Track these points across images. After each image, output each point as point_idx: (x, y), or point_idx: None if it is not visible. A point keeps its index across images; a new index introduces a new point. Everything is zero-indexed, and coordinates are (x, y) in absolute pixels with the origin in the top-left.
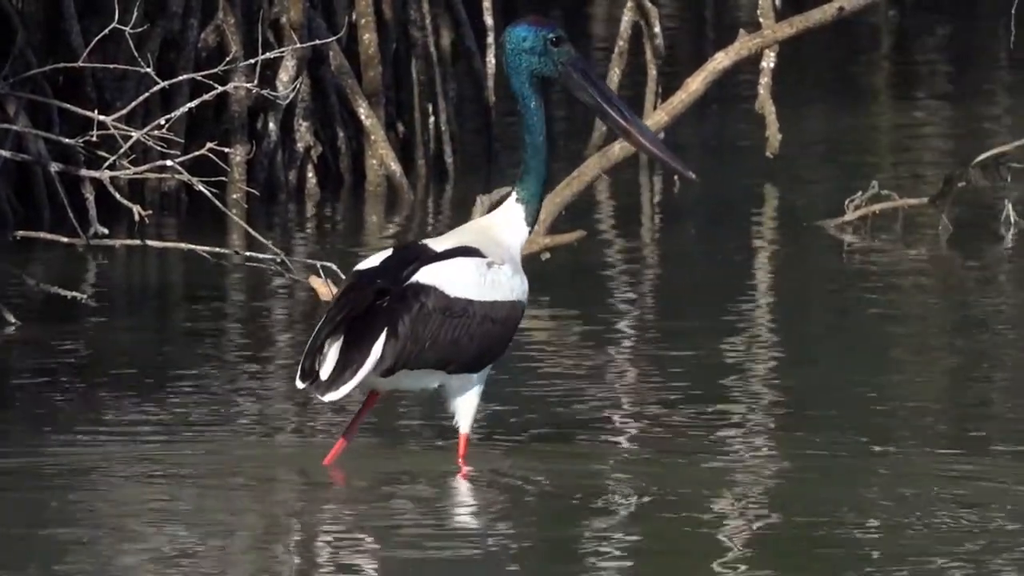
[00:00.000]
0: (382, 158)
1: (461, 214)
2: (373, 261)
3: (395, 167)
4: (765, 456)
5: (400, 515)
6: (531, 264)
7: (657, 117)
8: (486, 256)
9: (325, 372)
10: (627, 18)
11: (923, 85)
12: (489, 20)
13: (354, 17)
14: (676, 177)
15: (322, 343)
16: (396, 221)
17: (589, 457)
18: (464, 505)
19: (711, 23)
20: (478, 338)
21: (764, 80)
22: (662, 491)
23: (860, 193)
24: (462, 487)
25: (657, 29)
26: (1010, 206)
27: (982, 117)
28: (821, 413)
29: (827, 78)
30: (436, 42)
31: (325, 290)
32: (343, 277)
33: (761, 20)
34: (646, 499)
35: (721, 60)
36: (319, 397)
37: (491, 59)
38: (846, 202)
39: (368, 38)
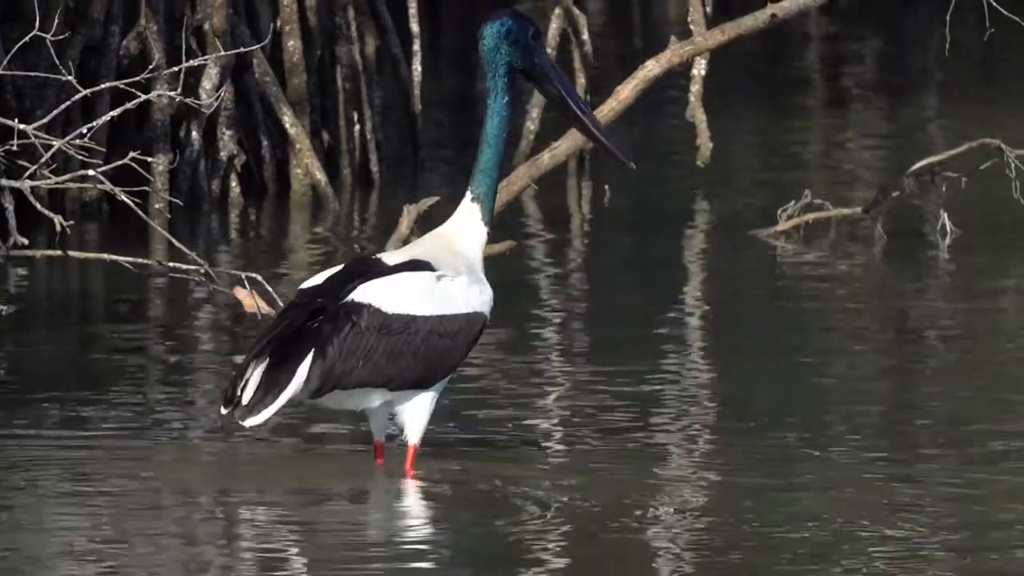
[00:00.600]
0: (307, 167)
1: (387, 223)
2: (319, 278)
3: (320, 176)
4: (701, 462)
5: (343, 526)
6: None
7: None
8: (437, 269)
9: (246, 397)
10: (555, 25)
11: (854, 94)
12: (415, 27)
13: (278, 24)
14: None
15: (246, 366)
16: (321, 230)
17: (520, 464)
18: (411, 516)
19: (639, 30)
20: (424, 354)
21: (695, 88)
22: (596, 499)
23: (793, 202)
24: (411, 497)
25: (585, 36)
26: (945, 215)
27: (914, 126)
28: (755, 419)
29: (757, 86)
30: (361, 49)
31: (250, 302)
32: (268, 288)
33: (692, 27)
34: (577, 506)
35: (652, 68)
36: (239, 423)
37: (417, 66)
38: (779, 211)
39: (292, 45)
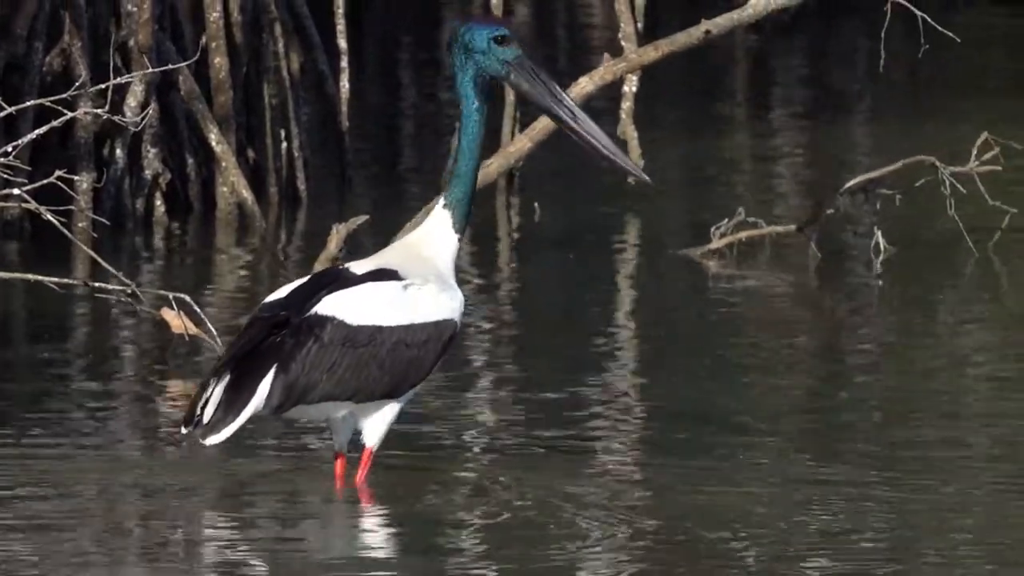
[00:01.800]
0: (233, 185)
1: (314, 241)
2: (283, 291)
3: (247, 194)
4: (634, 475)
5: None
6: None
7: (520, 143)
8: (404, 277)
9: (207, 415)
10: None
11: (785, 111)
12: (342, 43)
13: (204, 41)
14: (631, 180)
15: (207, 384)
16: (248, 249)
17: (453, 478)
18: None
19: (564, 48)
20: (391, 365)
21: (626, 105)
22: (535, 510)
23: (726, 220)
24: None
25: None
26: (879, 233)
27: (847, 143)
28: (687, 430)
29: (689, 103)
30: (288, 66)
31: (178, 322)
32: (196, 309)
33: (623, 44)
34: (511, 516)
35: (585, 85)
36: (200, 442)
37: (344, 83)
38: (712, 229)
39: (219, 62)
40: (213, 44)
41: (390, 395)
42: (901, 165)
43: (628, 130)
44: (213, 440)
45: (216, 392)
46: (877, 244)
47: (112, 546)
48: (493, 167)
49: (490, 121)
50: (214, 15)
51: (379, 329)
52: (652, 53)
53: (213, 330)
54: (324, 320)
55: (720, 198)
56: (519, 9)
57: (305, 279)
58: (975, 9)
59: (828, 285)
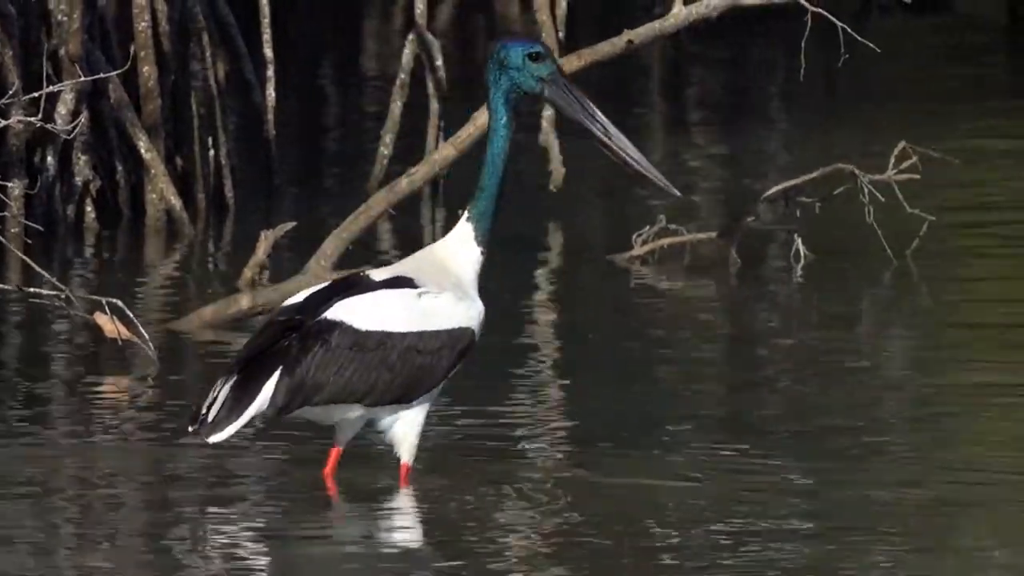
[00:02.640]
0: (162, 192)
1: (242, 248)
2: (301, 295)
3: (175, 201)
4: (557, 474)
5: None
6: None
7: (445, 151)
8: (420, 285)
9: (212, 413)
10: (408, 51)
11: (705, 119)
12: (269, 52)
13: (132, 50)
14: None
15: (217, 383)
16: (176, 256)
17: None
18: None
19: (484, 58)
20: (399, 370)
21: (547, 113)
22: (462, 514)
23: (648, 227)
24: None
25: (439, 62)
26: (799, 240)
27: (768, 151)
28: (605, 432)
29: (609, 111)
30: (215, 75)
31: (111, 327)
32: (129, 314)
33: None
34: (440, 515)
35: None
36: (203, 439)
37: (271, 92)
38: (633, 236)
39: (148, 71)
40: (142, 53)
41: (401, 400)
42: (820, 173)
43: (550, 138)
44: (216, 438)
45: (223, 392)
46: (797, 251)
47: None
48: (418, 175)
49: (415, 129)
50: (143, 24)
51: (389, 335)
52: (575, 62)
53: (145, 334)
54: (333, 325)
55: (641, 205)
56: (440, 20)
57: (324, 284)
58: (891, 18)
59: (748, 291)
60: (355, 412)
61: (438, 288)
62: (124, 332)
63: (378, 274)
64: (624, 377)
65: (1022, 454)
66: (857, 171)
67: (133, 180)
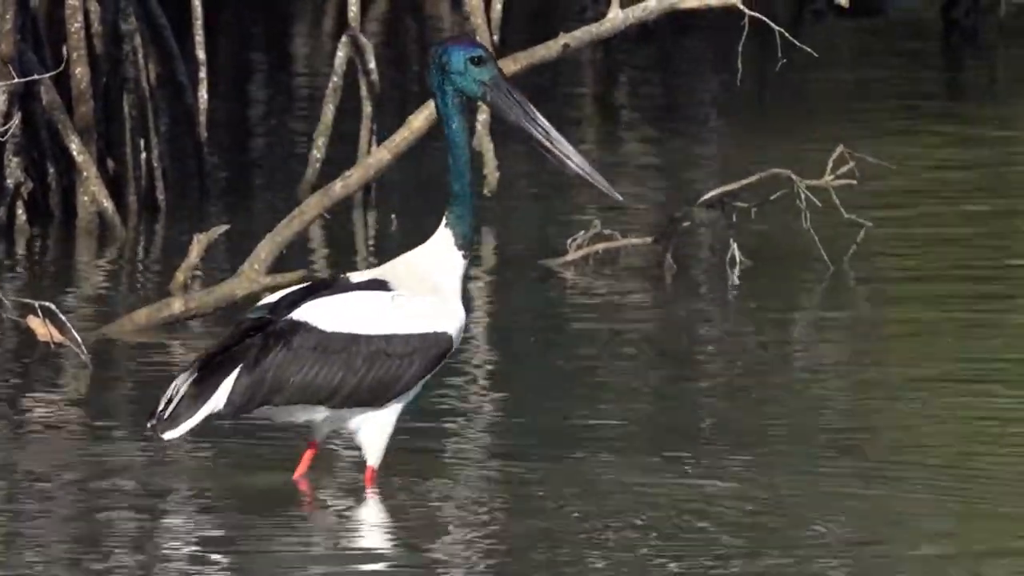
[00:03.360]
0: (94, 194)
1: (174, 250)
2: (278, 295)
3: (107, 203)
4: (486, 478)
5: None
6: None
7: (380, 155)
8: (394, 289)
9: (169, 410)
10: (341, 54)
11: (642, 124)
12: (201, 54)
13: (65, 51)
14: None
15: (177, 380)
16: (108, 258)
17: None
18: None
19: (415, 61)
20: (367, 374)
21: (482, 117)
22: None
23: (583, 232)
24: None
25: (372, 65)
26: (735, 245)
27: (704, 156)
28: (536, 435)
29: (544, 115)
30: (147, 76)
31: (44, 330)
32: (61, 317)
33: None
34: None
35: None
36: (159, 436)
37: (203, 94)
38: (568, 241)
39: (80, 72)
40: (74, 55)
41: (371, 403)
42: (757, 178)
43: (484, 141)
44: (170, 435)
45: (181, 388)
46: (733, 256)
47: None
48: (353, 179)
49: (348, 132)
50: (75, 26)
51: (355, 337)
52: (511, 66)
53: (78, 337)
54: (297, 325)
55: (576, 210)
56: (370, 24)
57: (303, 285)
58: (824, 23)
59: (682, 297)
60: (320, 414)
61: (412, 293)
62: (57, 336)
63: (356, 277)
64: (553, 382)
65: (954, 448)
66: (794, 176)
67: (65, 182)
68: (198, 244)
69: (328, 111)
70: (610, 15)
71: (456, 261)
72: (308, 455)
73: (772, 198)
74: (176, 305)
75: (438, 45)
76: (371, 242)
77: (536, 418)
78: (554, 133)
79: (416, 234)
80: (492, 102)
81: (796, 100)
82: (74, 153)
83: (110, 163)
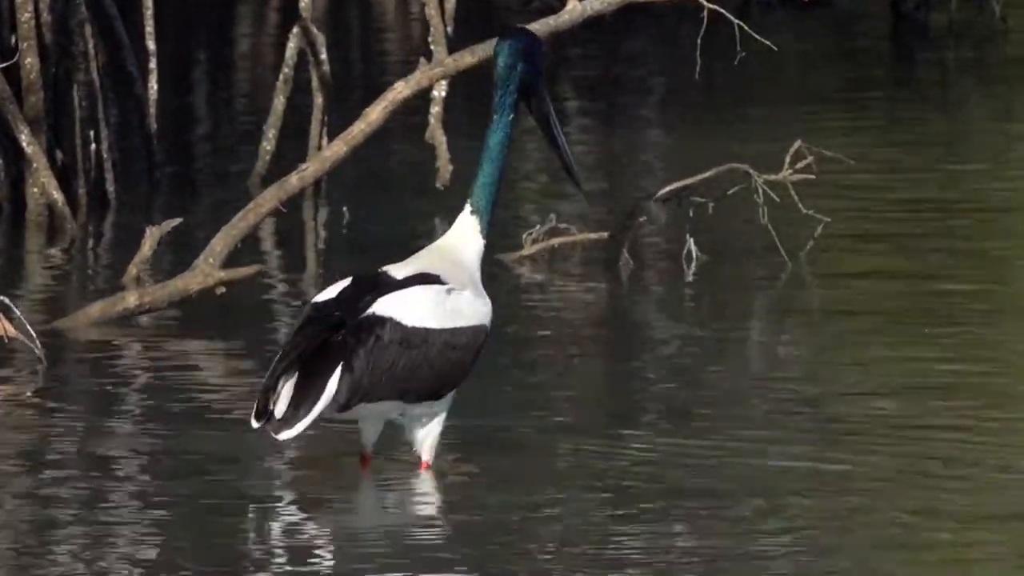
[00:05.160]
0: (43, 186)
1: (124, 243)
2: (331, 292)
3: (57, 195)
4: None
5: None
6: (209, 299)
7: (336, 148)
8: (447, 282)
9: (279, 410)
10: (292, 44)
11: (596, 117)
12: (151, 44)
13: (14, 41)
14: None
15: (276, 380)
16: (58, 251)
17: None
18: None
19: (356, 52)
20: (438, 366)
21: (435, 110)
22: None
23: (538, 226)
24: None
25: (324, 56)
26: (691, 240)
27: (660, 150)
28: (484, 430)
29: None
30: (96, 67)
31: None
32: (16, 311)
33: (432, 48)
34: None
35: (401, 90)
36: (274, 436)
37: (153, 84)
38: (524, 235)
39: (30, 63)
40: (25, 44)
41: (433, 396)
42: (714, 173)
43: (437, 134)
44: (287, 435)
45: (286, 389)
46: (689, 252)
47: None
48: (309, 172)
49: (300, 126)
50: (26, 15)
51: (428, 331)
52: (468, 58)
53: (32, 332)
54: (383, 321)
55: (532, 204)
56: (315, 11)
57: (346, 282)
58: (772, 15)
59: (638, 292)
60: (394, 410)
61: (460, 285)
62: (10, 330)
63: (398, 271)
64: (503, 377)
65: (907, 437)
66: (751, 171)
67: (14, 173)
68: (150, 237)
69: (279, 103)
70: (568, 7)
71: (479, 248)
72: (366, 466)
73: (729, 193)
74: (130, 299)
75: (510, 36)
76: (322, 235)
77: (481, 412)
78: (557, 124)
79: (367, 226)
80: (536, 92)
81: (748, 94)
82: (24, 144)
83: (59, 155)
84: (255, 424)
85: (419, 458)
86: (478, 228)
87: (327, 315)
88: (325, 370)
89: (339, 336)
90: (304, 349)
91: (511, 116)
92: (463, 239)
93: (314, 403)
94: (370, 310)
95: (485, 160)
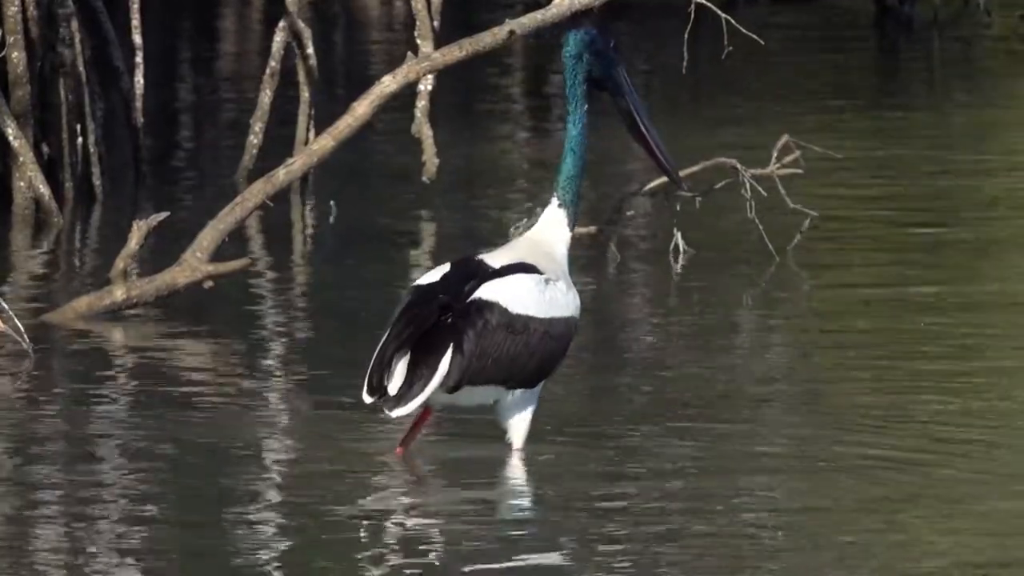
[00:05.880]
0: (30, 180)
1: (111, 237)
2: (433, 276)
3: (44, 189)
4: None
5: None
6: (196, 293)
7: (324, 142)
8: (543, 272)
9: (393, 387)
10: (279, 38)
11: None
12: (137, 39)
13: (1, 35)
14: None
15: (390, 358)
16: (45, 245)
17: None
18: None
19: (341, 47)
20: (537, 354)
21: (421, 104)
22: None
23: (524, 220)
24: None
25: (310, 50)
26: (679, 234)
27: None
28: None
29: (484, 103)
30: (83, 61)
31: None
32: (4, 305)
33: (419, 42)
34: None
35: (388, 84)
36: (387, 412)
37: (139, 78)
38: (511, 229)
39: (17, 56)
40: (11, 38)
41: (529, 384)
42: (701, 167)
43: (423, 129)
44: (400, 412)
45: (400, 366)
46: (676, 246)
47: None
48: (296, 166)
49: (286, 120)
50: (12, 9)
51: (530, 319)
52: (456, 53)
53: (20, 326)
54: (491, 305)
55: (519, 198)
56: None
57: (446, 267)
58: (756, 9)
59: (626, 286)
60: (495, 396)
61: (555, 276)
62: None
63: (493, 259)
64: None
65: (885, 424)
66: (739, 165)
67: (0, 167)
68: (138, 232)
69: (265, 96)
70: (556, 1)
71: (567, 240)
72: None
73: (717, 187)
74: (118, 293)
75: (578, 29)
76: (309, 229)
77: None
78: (649, 121)
79: (353, 220)
80: (615, 88)
81: (734, 88)
82: (10, 138)
83: (45, 148)
84: (367, 399)
85: (510, 445)
86: (565, 221)
87: (432, 297)
88: (437, 350)
89: (447, 318)
90: (416, 329)
91: (584, 107)
92: (552, 232)
93: (427, 382)
94: (476, 294)
95: (567, 153)
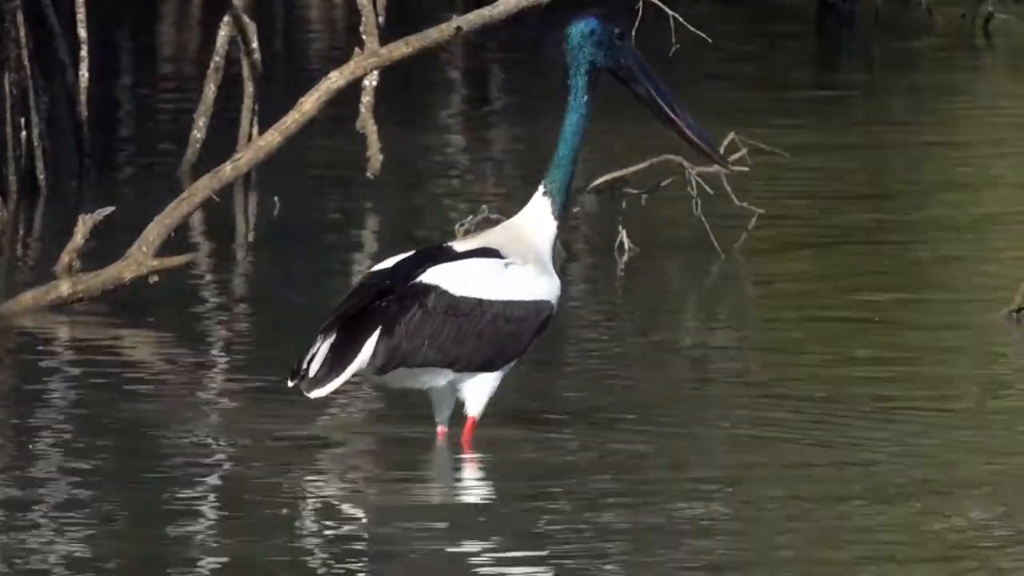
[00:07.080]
0: None
1: (54, 231)
2: (389, 262)
3: None
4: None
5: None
6: (142, 287)
7: (271, 137)
8: (506, 256)
9: (312, 369)
10: (224, 33)
11: (529, 107)
12: (83, 32)
13: None
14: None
15: (314, 341)
16: None
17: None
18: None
19: (281, 45)
20: (490, 338)
21: (366, 99)
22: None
23: (470, 217)
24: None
25: (255, 44)
26: (624, 232)
27: (593, 141)
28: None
29: (433, 98)
30: (27, 54)
31: None
32: None
33: (364, 37)
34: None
35: (336, 79)
36: (305, 393)
37: (84, 72)
38: (456, 226)
39: None
40: None
41: (486, 368)
42: (648, 165)
43: (368, 124)
44: (317, 393)
45: (322, 349)
46: (621, 243)
47: None
48: (243, 161)
49: (227, 114)
50: None
51: (479, 302)
52: (403, 48)
53: None
54: (429, 288)
55: (463, 194)
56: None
57: (409, 253)
58: (696, 5)
59: (570, 283)
60: (443, 378)
61: (522, 260)
62: None
63: (461, 245)
64: None
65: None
66: (685, 163)
67: None
68: (83, 226)
69: (209, 91)
70: None
71: (551, 228)
72: (441, 433)
73: (663, 184)
74: (63, 288)
75: (579, 20)
76: (252, 224)
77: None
78: (678, 107)
79: (297, 215)
80: (627, 76)
81: (677, 86)
82: None
83: None
84: (289, 383)
85: (465, 414)
86: (550, 210)
87: (378, 282)
88: (363, 333)
89: (383, 302)
90: (345, 312)
91: (584, 98)
92: (534, 220)
93: (348, 364)
94: (419, 278)
95: (560, 142)
